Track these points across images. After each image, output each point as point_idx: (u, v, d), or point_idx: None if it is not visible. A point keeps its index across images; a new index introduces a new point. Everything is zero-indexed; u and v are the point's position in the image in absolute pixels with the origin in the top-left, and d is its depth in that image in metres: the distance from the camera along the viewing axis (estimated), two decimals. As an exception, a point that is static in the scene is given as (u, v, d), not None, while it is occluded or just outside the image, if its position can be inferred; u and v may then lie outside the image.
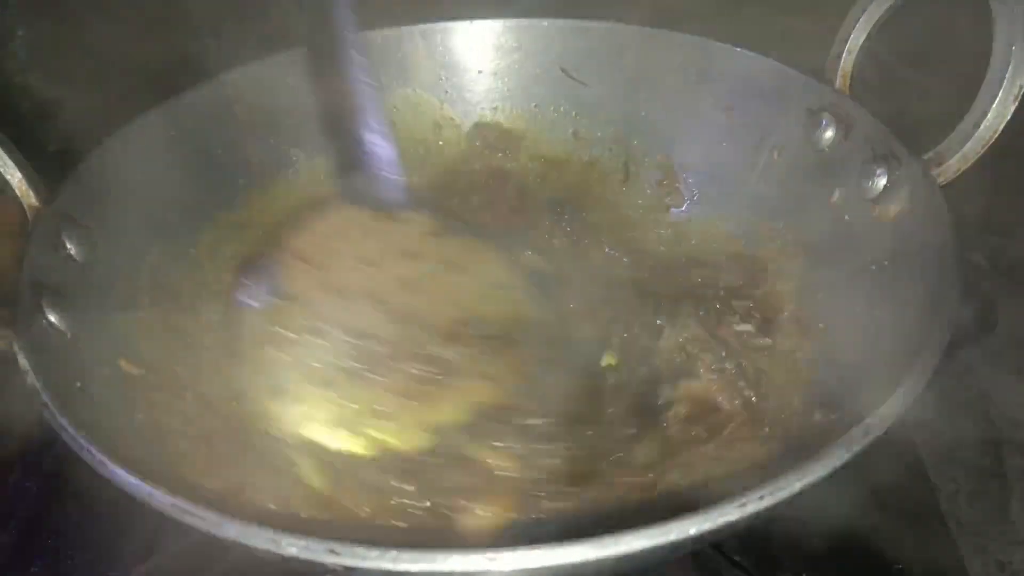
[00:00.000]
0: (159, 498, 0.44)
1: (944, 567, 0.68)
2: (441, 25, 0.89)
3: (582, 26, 0.88)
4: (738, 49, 0.81)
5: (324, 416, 0.57)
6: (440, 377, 0.58)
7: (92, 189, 0.69)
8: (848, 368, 0.62)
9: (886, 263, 0.65)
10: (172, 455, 0.59)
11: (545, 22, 0.89)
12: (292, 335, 0.59)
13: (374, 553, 0.41)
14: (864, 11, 0.73)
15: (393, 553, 0.41)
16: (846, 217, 0.71)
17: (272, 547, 0.42)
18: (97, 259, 0.67)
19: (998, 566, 0.76)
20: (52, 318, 0.59)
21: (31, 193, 0.66)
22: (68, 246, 0.65)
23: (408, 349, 0.59)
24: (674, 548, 0.43)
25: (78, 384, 0.57)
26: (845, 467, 0.45)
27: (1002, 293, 0.86)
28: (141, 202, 0.73)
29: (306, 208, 0.71)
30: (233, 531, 0.43)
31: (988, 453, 0.84)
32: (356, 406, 0.57)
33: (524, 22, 0.89)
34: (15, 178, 0.65)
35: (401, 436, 0.56)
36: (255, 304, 0.61)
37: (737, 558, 0.65)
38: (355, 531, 0.56)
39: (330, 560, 0.41)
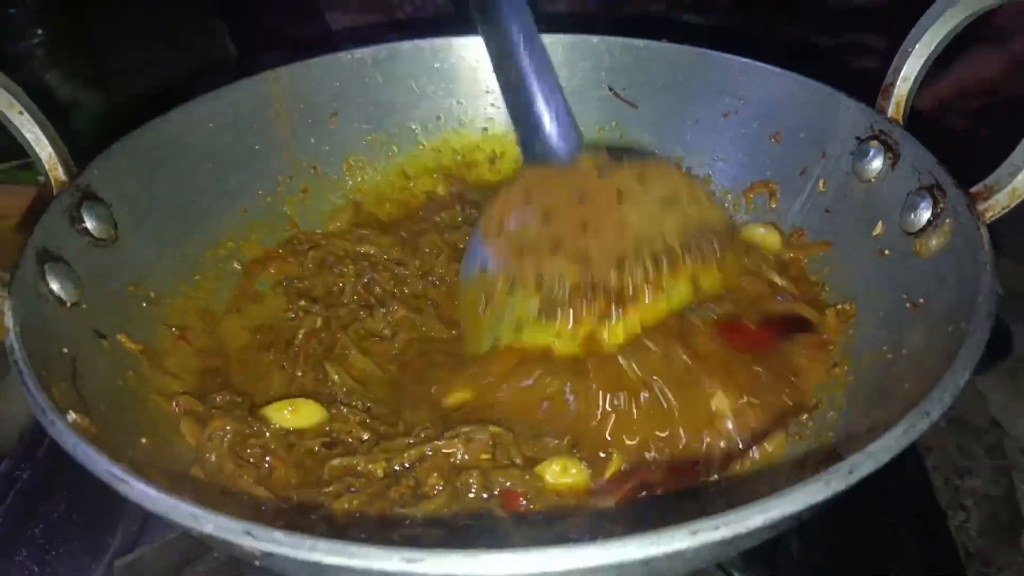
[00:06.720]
0: (85, 453, 0.43)
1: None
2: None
3: (630, 44, 0.85)
4: (789, 73, 0.77)
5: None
6: (612, 306, 0.65)
7: (121, 170, 0.71)
8: (865, 408, 0.57)
9: (921, 301, 0.59)
10: (140, 423, 0.59)
11: (595, 38, 0.87)
12: (492, 297, 0.68)
13: (290, 540, 0.39)
14: (921, 37, 0.68)
15: (310, 542, 0.38)
16: (886, 252, 0.66)
17: (192, 524, 0.40)
18: (116, 238, 0.68)
19: (1007, 596, 0.73)
20: (53, 286, 0.60)
21: (59, 168, 0.67)
22: (86, 221, 0.66)
23: (584, 285, 0.65)
24: (619, 570, 0.39)
25: (64, 350, 0.57)
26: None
27: (1016, 319, 0.81)
28: (171, 187, 0.75)
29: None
30: (160, 504, 0.41)
31: (999, 482, 0.80)
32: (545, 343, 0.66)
33: (572, 38, 0.87)
34: (45, 152, 0.67)
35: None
36: (468, 280, 0.72)
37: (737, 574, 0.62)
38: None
39: (247, 543, 0.39)
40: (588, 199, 0.69)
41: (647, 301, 0.65)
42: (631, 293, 0.65)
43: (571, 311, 0.65)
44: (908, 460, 0.78)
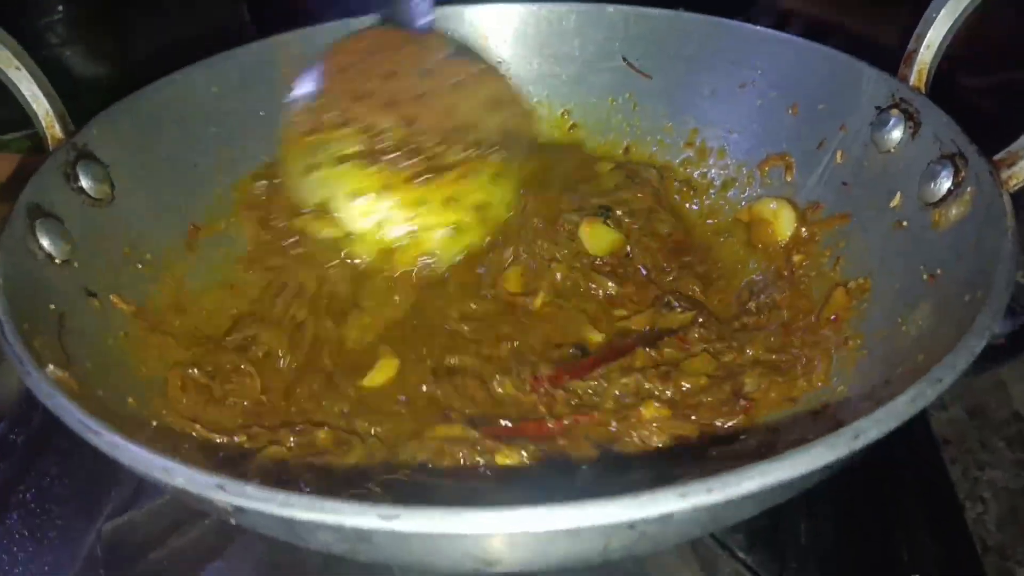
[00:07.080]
0: (59, 403, 0.42)
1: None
2: (499, 7, 0.86)
3: (645, 13, 0.83)
4: (808, 42, 0.74)
5: (340, 189, 0.71)
6: (429, 170, 0.71)
7: (121, 130, 0.70)
8: (877, 383, 0.55)
9: (939, 272, 0.57)
10: (128, 384, 0.58)
11: (610, 8, 0.84)
12: (321, 127, 0.72)
13: (262, 494, 0.37)
14: (945, 4, 0.65)
15: (282, 497, 0.37)
16: (904, 223, 0.63)
17: (164, 477, 0.39)
18: (113, 198, 0.67)
19: (1023, 589, 0.71)
20: (44, 242, 0.59)
21: (56, 125, 0.66)
22: (82, 180, 0.65)
23: (409, 145, 0.71)
24: (605, 533, 0.37)
25: (52, 306, 0.56)
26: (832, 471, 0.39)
27: (1039, 310, 0.78)
28: (172, 150, 0.74)
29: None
30: (129, 456, 0.40)
31: (1019, 475, 0.78)
32: (359, 183, 0.70)
33: (586, 6, 0.85)
34: (42, 109, 0.66)
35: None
36: (298, 102, 0.74)
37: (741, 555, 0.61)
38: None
39: (219, 497, 0.38)
40: (430, 75, 0.76)
41: (458, 179, 0.71)
42: (447, 166, 0.71)
43: (391, 162, 0.70)
44: (924, 449, 0.76)
